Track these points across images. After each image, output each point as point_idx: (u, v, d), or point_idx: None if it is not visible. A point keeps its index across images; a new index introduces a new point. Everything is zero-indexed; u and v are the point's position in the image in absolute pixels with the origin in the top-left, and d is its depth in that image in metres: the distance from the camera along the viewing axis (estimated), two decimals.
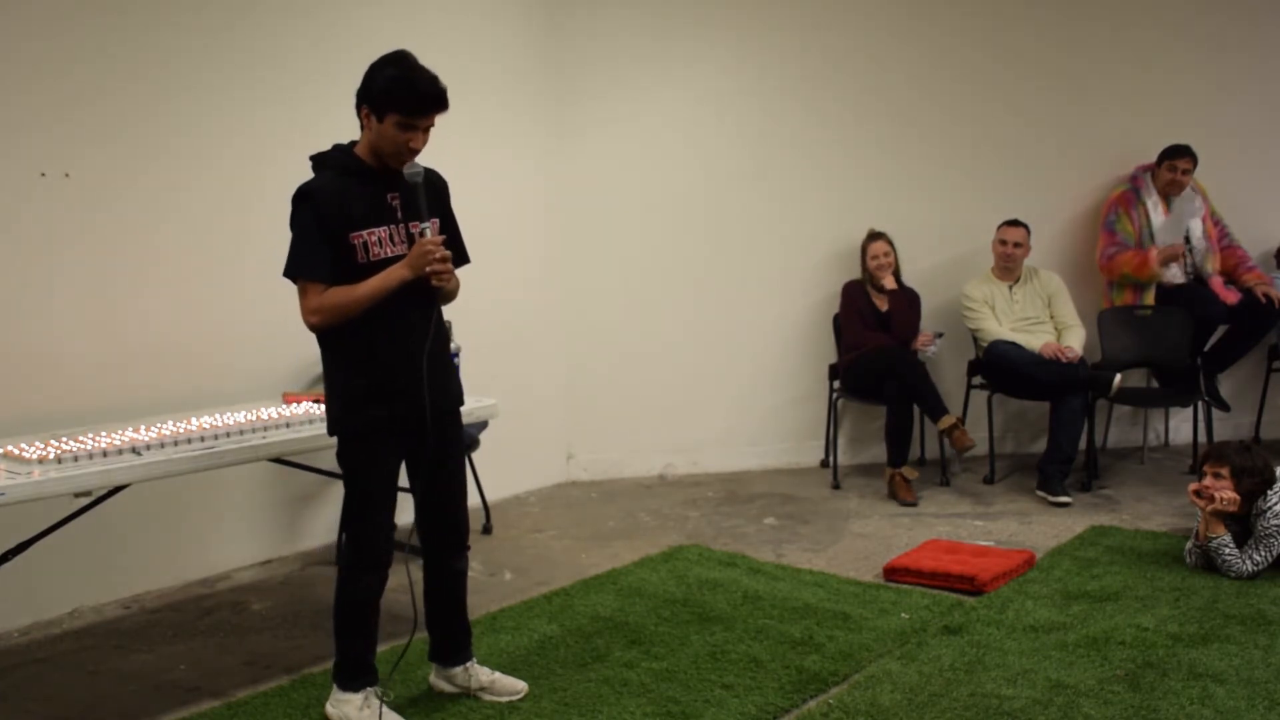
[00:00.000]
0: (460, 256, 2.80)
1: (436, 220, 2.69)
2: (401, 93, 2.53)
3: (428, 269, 2.56)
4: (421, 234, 2.61)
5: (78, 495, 2.71)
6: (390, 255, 2.61)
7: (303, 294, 2.58)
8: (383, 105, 2.54)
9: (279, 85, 4.20)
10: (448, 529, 2.87)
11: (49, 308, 3.66)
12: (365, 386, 2.63)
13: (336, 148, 2.69)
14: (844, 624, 3.36)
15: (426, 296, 2.62)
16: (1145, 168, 5.44)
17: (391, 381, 2.63)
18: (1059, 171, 5.66)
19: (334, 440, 2.73)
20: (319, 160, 2.68)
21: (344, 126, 4.41)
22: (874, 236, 5.28)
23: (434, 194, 2.71)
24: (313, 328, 2.61)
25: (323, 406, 3.43)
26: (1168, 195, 5.37)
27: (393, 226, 2.64)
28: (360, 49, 4.48)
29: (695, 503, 5.02)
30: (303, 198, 2.59)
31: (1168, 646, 3.09)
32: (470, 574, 4.06)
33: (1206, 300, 5.22)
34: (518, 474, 5.26)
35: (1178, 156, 5.29)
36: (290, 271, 2.60)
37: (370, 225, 2.60)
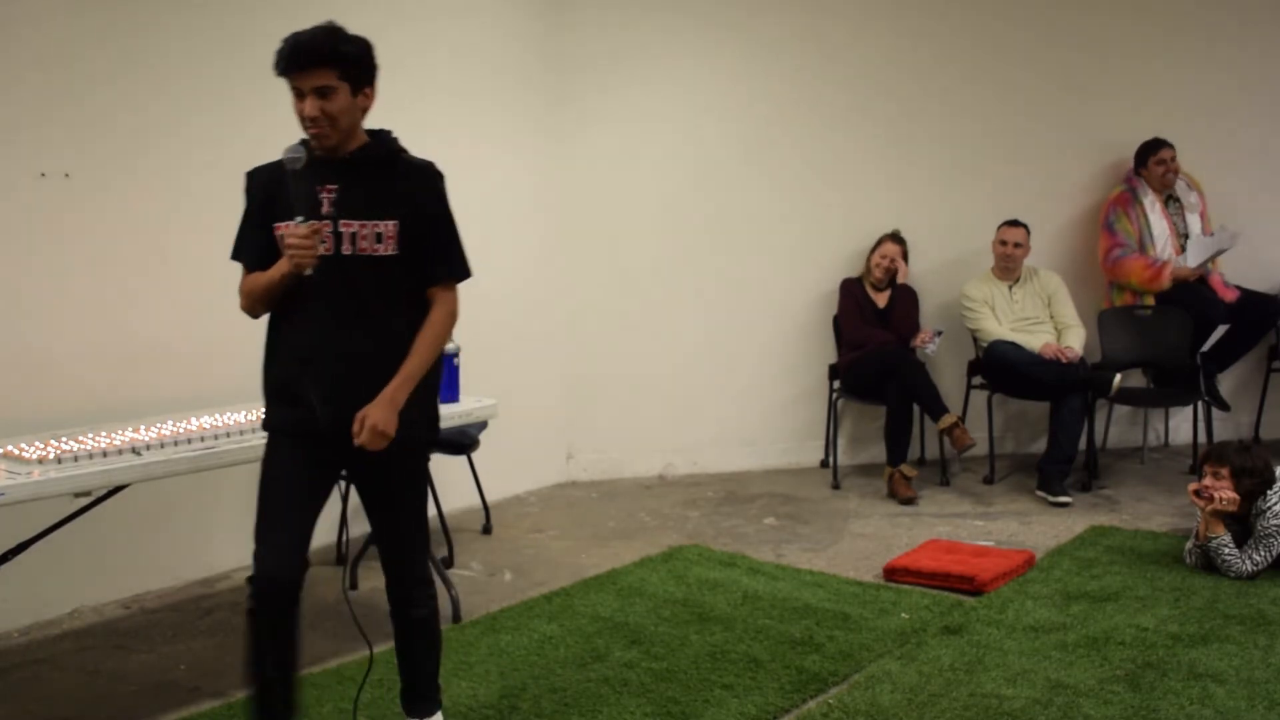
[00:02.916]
0: (455, 266, 2.55)
1: (316, 222, 2.34)
2: (277, 55, 2.34)
3: (294, 260, 2.29)
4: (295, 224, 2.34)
5: (78, 495, 2.70)
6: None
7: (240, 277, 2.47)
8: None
9: (280, 86, 4.19)
10: (396, 579, 2.55)
11: (49, 308, 3.65)
12: (270, 381, 2.45)
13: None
14: (844, 624, 3.36)
15: (355, 301, 2.37)
16: (1131, 173, 5.45)
17: (295, 383, 2.38)
18: (1059, 172, 5.66)
19: None
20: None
21: None
22: (893, 238, 5.28)
23: (409, 187, 2.43)
24: (244, 311, 2.48)
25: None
26: (1164, 190, 5.38)
27: (314, 222, 2.33)
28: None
29: (695, 503, 5.01)
30: (247, 178, 2.47)
31: (1168, 646, 3.09)
32: (470, 574, 4.08)
33: (1206, 300, 5.22)
34: (518, 474, 5.26)
35: (1160, 149, 5.33)
36: (233, 253, 2.48)
37: (291, 217, 2.33)
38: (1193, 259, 5.25)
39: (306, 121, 2.34)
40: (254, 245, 2.41)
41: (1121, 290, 5.41)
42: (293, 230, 2.31)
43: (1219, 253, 5.22)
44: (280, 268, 2.35)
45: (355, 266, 2.36)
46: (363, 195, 2.37)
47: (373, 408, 2.31)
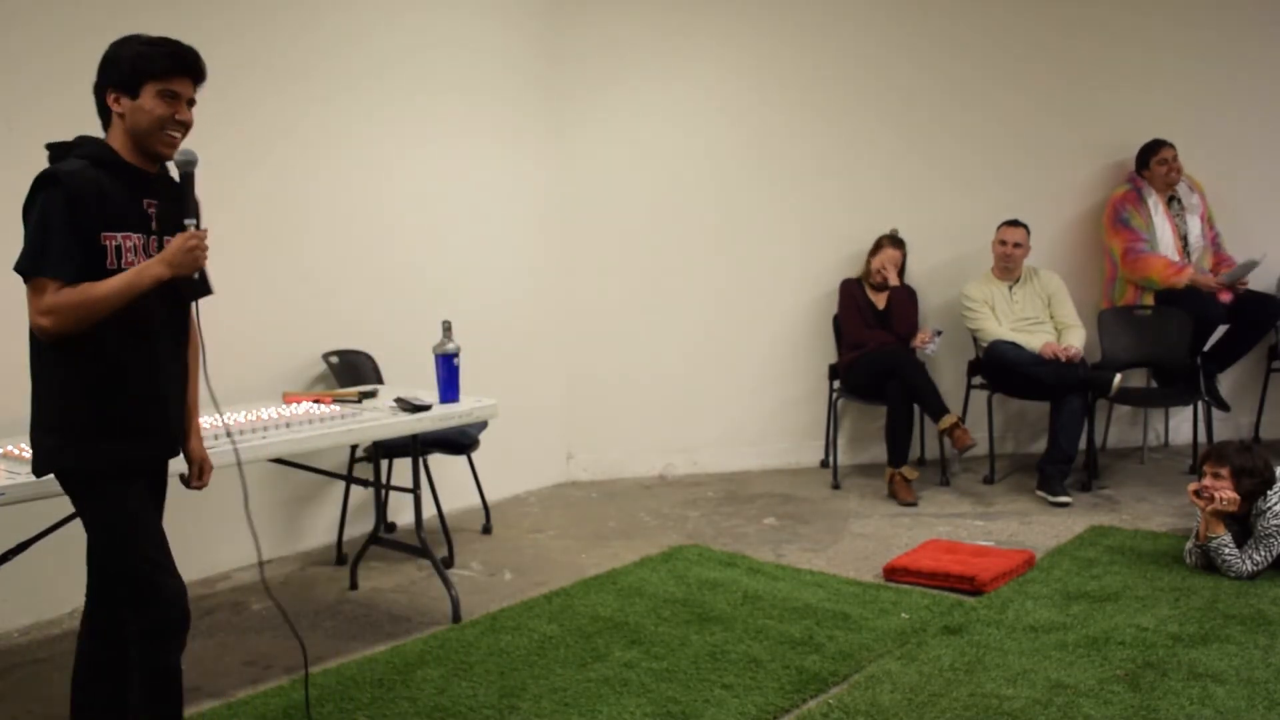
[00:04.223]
0: (202, 287, 2.37)
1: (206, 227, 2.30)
2: (158, 55, 2.24)
3: (195, 264, 2.23)
4: (186, 228, 2.26)
5: None
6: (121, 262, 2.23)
7: (36, 292, 2.14)
8: (138, 76, 2.22)
9: (280, 85, 4.20)
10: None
11: None
12: (114, 414, 2.24)
13: (84, 138, 2.29)
14: (844, 624, 3.36)
15: (178, 312, 2.33)
16: (1134, 174, 5.46)
17: (140, 414, 2.27)
18: (1059, 172, 5.66)
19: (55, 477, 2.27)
20: (62, 147, 2.27)
21: (344, 124, 4.45)
22: (892, 241, 5.27)
23: (176, 206, 2.32)
24: (44, 333, 2.16)
25: (323, 407, 3.45)
26: (1167, 191, 5.38)
27: (146, 236, 2.25)
28: (362, 49, 4.53)
29: (695, 503, 5.01)
30: (49, 182, 2.16)
31: (1168, 646, 3.09)
32: (470, 574, 4.08)
33: (1206, 300, 5.22)
34: (518, 474, 5.26)
35: (1162, 149, 5.34)
36: (26, 265, 2.14)
37: (123, 228, 2.21)
38: (1222, 278, 5.26)
39: (173, 126, 2.26)
40: (73, 255, 2.15)
41: (1123, 290, 5.41)
42: (193, 234, 2.23)
43: (1245, 273, 5.21)
44: (151, 274, 2.19)
45: (176, 284, 2.28)
46: (169, 212, 2.32)
47: (201, 448, 2.40)
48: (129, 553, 2.25)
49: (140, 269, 2.20)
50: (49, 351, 2.21)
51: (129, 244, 2.22)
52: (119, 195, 2.23)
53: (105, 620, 2.37)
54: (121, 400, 2.24)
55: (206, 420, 3.27)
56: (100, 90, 2.28)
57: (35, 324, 2.16)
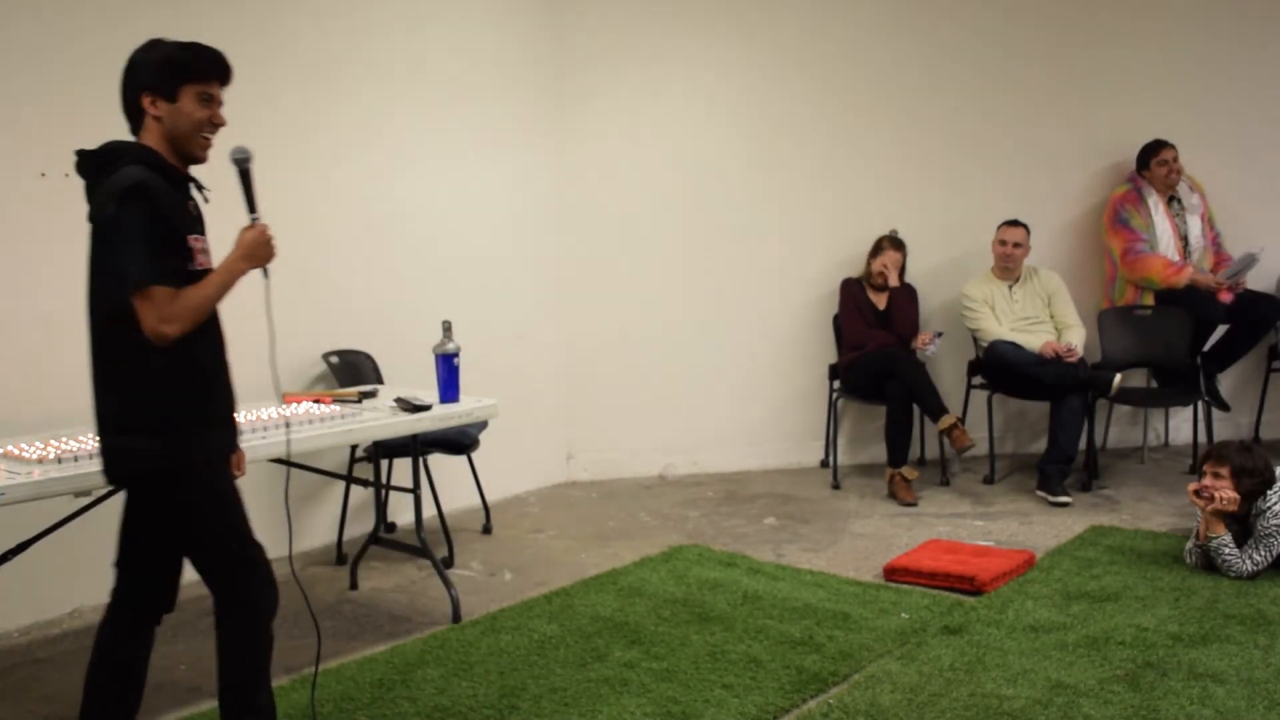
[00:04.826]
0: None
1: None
2: (194, 59, 2.29)
3: (270, 257, 2.37)
4: (254, 223, 2.39)
5: (78, 495, 2.70)
6: (210, 267, 2.33)
7: (153, 302, 2.18)
8: (174, 79, 2.26)
9: (279, 86, 4.20)
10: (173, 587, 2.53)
11: (49, 308, 3.65)
12: (213, 406, 2.35)
13: (124, 144, 2.32)
14: (844, 624, 3.36)
15: (216, 315, 2.40)
16: (1134, 174, 5.46)
17: (223, 404, 2.39)
18: (1059, 172, 5.66)
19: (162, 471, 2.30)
20: (103, 155, 2.28)
21: (344, 125, 4.45)
22: (892, 242, 5.27)
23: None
24: (164, 339, 2.20)
25: (323, 407, 3.45)
26: (1167, 191, 5.38)
27: (203, 237, 2.36)
28: (363, 52, 4.53)
29: (695, 503, 5.01)
30: (139, 194, 2.19)
31: (1168, 646, 3.09)
32: (470, 574, 4.08)
33: (1206, 300, 5.22)
34: (518, 474, 5.26)
35: (1162, 150, 5.34)
36: (140, 278, 2.17)
37: (192, 230, 2.32)
38: (1220, 276, 5.25)
39: (208, 128, 2.33)
40: (176, 262, 2.24)
41: (1123, 290, 5.41)
42: (264, 227, 2.36)
43: (1244, 270, 5.21)
44: (239, 270, 2.31)
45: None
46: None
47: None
48: (233, 536, 2.36)
49: (227, 267, 2.30)
50: (140, 356, 2.23)
51: (199, 245, 2.31)
52: (179, 199, 2.30)
53: (132, 620, 2.49)
54: (210, 392, 2.34)
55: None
56: (134, 93, 2.29)
57: (157, 332, 2.19)
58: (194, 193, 2.39)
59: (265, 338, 2.40)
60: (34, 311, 3.62)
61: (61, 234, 3.66)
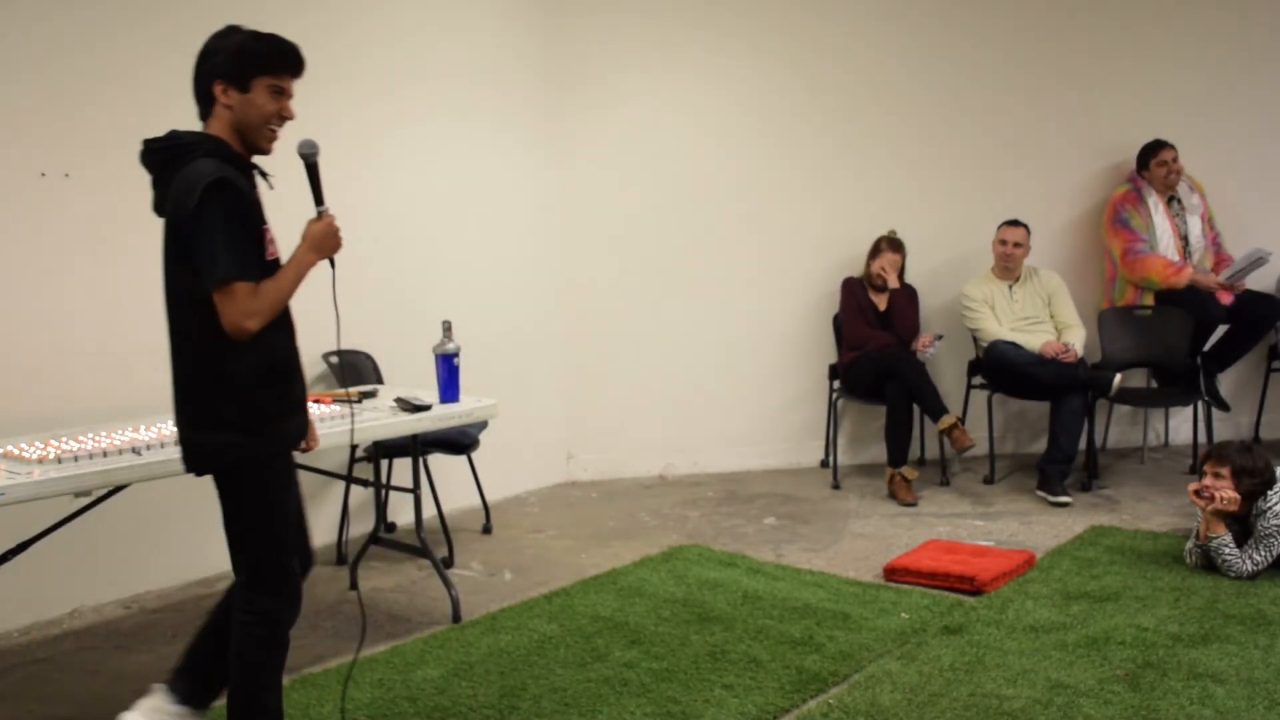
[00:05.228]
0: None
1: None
2: (269, 50, 2.29)
3: (338, 247, 2.41)
4: (321, 215, 2.43)
5: (78, 495, 2.70)
6: (278, 256, 2.35)
7: (235, 297, 2.20)
8: (247, 70, 2.26)
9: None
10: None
11: (49, 308, 3.66)
12: (292, 395, 2.39)
13: (195, 134, 2.32)
14: (844, 624, 3.36)
15: None
16: (1134, 174, 5.46)
17: (301, 388, 2.43)
18: (1059, 172, 5.66)
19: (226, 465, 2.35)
20: (185, 144, 2.28)
21: (343, 125, 4.45)
22: (891, 244, 5.27)
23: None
24: (245, 334, 2.23)
25: (323, 407, 3.44)
26: (1167, 192, 5.39)
27: (268, 226, 2.37)
28: (360, 53, 4.53)
29: (695, 503, 5.01)
30: (222, 189, 2.20)
31: (1168, 646, 3.09)
32: (470, 574, 4.09)
33: (1206, 300, 5.22)
34: (518, 474, 5.27)
35: (1161, 150, 5.34)
36: (224, 273, 2.19)
37: (262, 221, 2.32)
38: (1223, 276, 5.25)
39: (276, 121, 2.34)
40: (256, 255, 2.27)
41: (1123, 290, 5.41)
42: (331, 219, 2.40)
43: (1249, 270, 5.20)
44: (309, 262, 2.35)
45: None
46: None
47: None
48: (276, 545, 2.40)
49: (298, 260, 2.33)
50: (222, 351, 2.26)
51: (268, 235, 2.32)
52: (250, 190, 2.31)
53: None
54: (289, 381, 2.39)
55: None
56: (206, 80, 2.29)
57: (239, 326, 2.22)
58: (258, 180, 2.40)
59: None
60: (34, 311, 3.62)
61: (61, 234, 3.68)
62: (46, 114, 3.62)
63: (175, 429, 2.39)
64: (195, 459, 2.36)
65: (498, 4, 5.12)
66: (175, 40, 3.93)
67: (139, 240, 3.83)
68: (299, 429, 2.44)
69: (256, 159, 2.39)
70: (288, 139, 2.39)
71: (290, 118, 2.36)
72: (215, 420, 2.30)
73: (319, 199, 2.44)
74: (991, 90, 5.57)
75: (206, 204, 2.18)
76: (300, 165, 2.44)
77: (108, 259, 3.77)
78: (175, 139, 2.29)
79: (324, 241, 2.39)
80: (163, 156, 2.29)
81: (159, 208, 2.34)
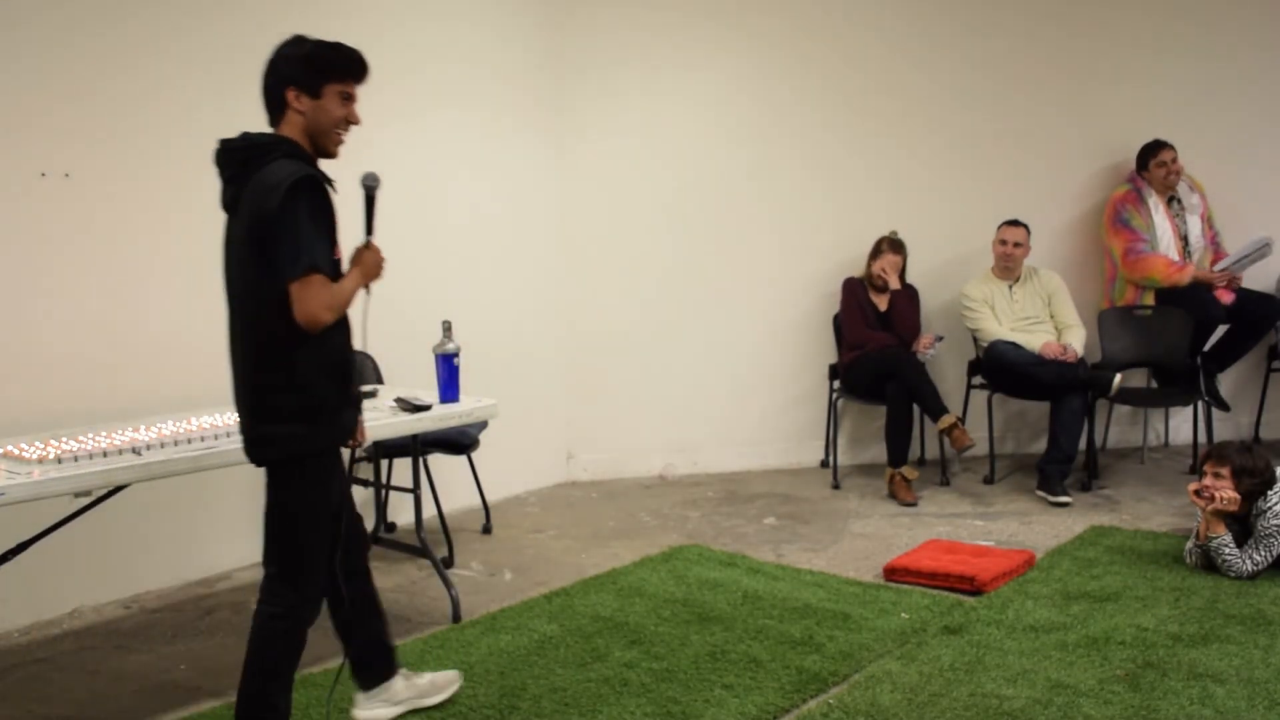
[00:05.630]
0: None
1: None
2: (339, 58, 2.40)
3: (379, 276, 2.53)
4: (369, 244, 2.53)
5: (78, 495, 2.70)
6: (342, 257, 2.45)
7: (314, 289, 2.29)
8: (319, 76, 2.36)
9: None
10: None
11: (49, 308, 3.66)
12: (340, 391, 2.46)
13: (275, 136, 2.40)
14: (844, 624, 3.36)
15: None
16: (1134, 174, 5.46)
17: (356, 385, 2.55)
18: (1059, 172, 5.66)
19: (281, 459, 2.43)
20: (263, 146, 2.36)
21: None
22: (891, 245, 5.26)
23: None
24: (319, 325, 2.32)
25: None
26: (1167, 192, 5.39)
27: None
28: (360, 44, 4.51)
29: (695, 503, 5.01)
30: (310, 186, 2.30)
31: (1168, 646, 3.09)
32: (470, 574, 4.09)
33: (1206, 300, 5.22)
34: (518, 474, 5.26)
35: (1161, 150, 5.34)
36: (308, 264, 2.27)
37: (336, 235, 2.42)
38: (1225, 263, 5.25)
39: (343, 126, 2.43)
40: (332, 253, 2.37)
41: (1123, 290, 5.41)
42: (377, 248, 2.51)
43: (1254, 259, 5.19)
44: (357, 280, 2.46)
45: None
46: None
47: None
48: (308, 549, 2.46)
49: (354, 278, 2.45)
50: (291, 347, 2.34)
51: (336, 238, 2.40)
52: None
53: (347, 569, 2.61)
54: (348, 377, 2.47)
55: (207, 420, 3.28)
56: (279, 87, 2.38)
57: (316, 318, 2.30)
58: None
59: None
60: (34, 311, 3.62)
61: (61, 234, 3.68)
62: (46, 114, 3.62)
63: (238, 420, 2.49)
64: (260, 449, 2.43)
65: (499, 8, 5.11)
66: (176, 40, 3.95)
67: (138, 240, 3.87)
68: (352, 422, 2.53)
69: (322, 164, 2.45)
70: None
71: (357, 122, 2.45)
72: (280, 413, 2.38)
73: (370, 228, 2.54)
74: (991, 91, 5.57)
75: (294, 200, 2.26)
76: (360, 192, 2.56)
77: (107, 259, 3.77)
78: (251, 140, 2.37)
79: (373, 270, 2.50)
80: (241, 156, 2.36)
81: (230, 206, 2.41)
